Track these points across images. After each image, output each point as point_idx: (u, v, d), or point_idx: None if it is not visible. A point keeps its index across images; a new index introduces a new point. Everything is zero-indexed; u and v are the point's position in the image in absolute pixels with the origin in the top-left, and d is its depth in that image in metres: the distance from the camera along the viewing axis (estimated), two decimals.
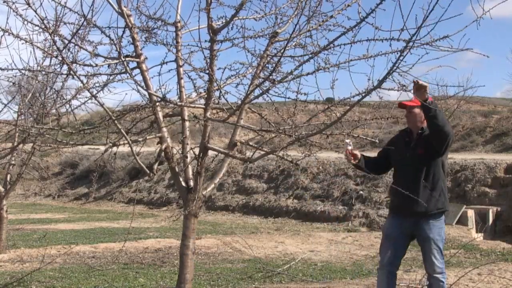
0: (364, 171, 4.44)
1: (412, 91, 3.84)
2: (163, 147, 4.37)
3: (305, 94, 3.79)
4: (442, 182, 4.13)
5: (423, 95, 3.83)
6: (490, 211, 10.37)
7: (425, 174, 4.09)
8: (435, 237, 4.06)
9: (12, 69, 4.34)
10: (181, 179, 4.42)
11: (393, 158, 4.34)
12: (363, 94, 3.31)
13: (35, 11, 3.79)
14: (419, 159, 4.11)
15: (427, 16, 3.00)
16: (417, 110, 4.20)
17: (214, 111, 4.34)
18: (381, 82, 3.32)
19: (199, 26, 4.12)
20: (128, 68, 4.09)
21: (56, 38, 3.97)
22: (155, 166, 4.54)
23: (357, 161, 4.28)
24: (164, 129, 4.40)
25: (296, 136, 3.70)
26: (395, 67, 3.20)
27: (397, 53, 3.21)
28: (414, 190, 4.07)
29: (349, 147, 4.21)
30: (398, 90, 3.96)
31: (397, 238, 4.19)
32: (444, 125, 3.95)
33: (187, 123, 4.43)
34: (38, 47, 4.20)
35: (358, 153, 4.29)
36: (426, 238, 4.08)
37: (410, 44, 3.15)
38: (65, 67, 4.57)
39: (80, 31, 4.28)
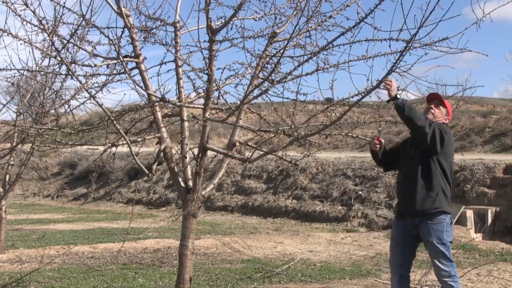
0: (376, 161, 4.39)
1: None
2: (162, 147, 4.36)
3: (304, 94, 3.79)
4: (441, 182, 4.01)
5: (392, 91, 3.77)
6: (489, 211, 10.37)
7: (421, 173, 4.01)
8: (435, 240, 3.96)
9: (11, 69, 4.33)
10: (180, 180, 4.41)
11: (399, 158, 4.28)
12: (363, 94, 3.31)
13: (33, 12, 3.79)
14: (417, 158, 4.05)
15: (427, 18, 3.01)
16: (443, 110, 4.16)
17: (213, 111, 4.34)
18: (380, 82, 3.33)
19: (198, 26, 4.12)
20: (127, 68, 4.08)
21: (55, 39, 3.97)
22: (154, 167, 4.53)
23: (378, 148, 4.25)
24: (163, 129, 4.40)
25: (295, 135, 3.70)
26: (394, 67, 3.21)
27: (396, 54, 3.23)
28: (412, 190, 4.03)
29: (378, 134, 4.28)
30: (397, 91, 3.97)
31: (403, 240, 4.14)
32: (416, 122, 3.83)
33: (186, 123, 4.43)
34: (37, 48, 4.18)
35: (383, 141, 4.27)
36: (427, 242, 4.01)
37: (410, 44, 3.15)
38: (64, 67, 4.57)
39: (79, 31, 4.27)
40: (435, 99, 4.21)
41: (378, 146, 4.24)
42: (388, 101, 3.84)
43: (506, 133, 16.51)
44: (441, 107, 4.17)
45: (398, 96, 3.80)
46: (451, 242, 4.06)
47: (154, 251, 8.34)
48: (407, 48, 3.15)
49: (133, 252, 8.14)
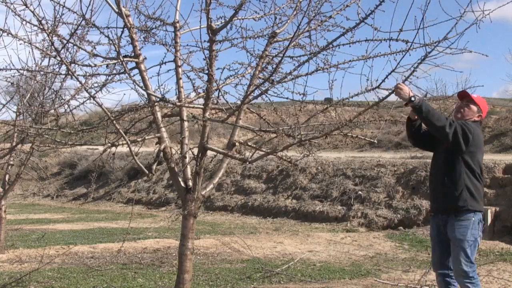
0: (408, 131, 4.29)
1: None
2: (162, 147, 4.36)
3: (304, 94, 3.79)
4: (466, 181, 3.94)
5: (404, 95, 3.75)
6: (489, 211, 10.36)
7: (445, 171, 4.00)
8: (458, 237, 3.91)
9: (11, 69, 4.33)
10: (180, 179, 4.41)
11: (433, 156, 4.27)
12: (378, 100, 3.34)
13: (33, 12, 3.79)
14: (441, 156, 4.06)
15: (424, 16, 3.02)
16: (473, 108, 4.15)
17: (213, 111, 4.34)
18: (393, 91, 3.37)
19: (199, 26, 4.12)
20: (126, 68, 4.08)
21: (55, 38, 3.97)
22: (154, 166, 4.53)
23: (416, 117, 4.14)
24: (163, 129, 4.40)
25: (298, 137, 3.70)
26: (397, 67, 3.23)
27: (396, 54, 3.24)
28: (436, 187, 4.07)
29: None
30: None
31: (436, 237, 4.14)
32: (435, 122, 3.81)
33: (186, 123, 4.43)
34: (36, 47, 4.18)
35: None
36: (450, 237, 3.98)
37: (411, 45, 3.17)
38: (63, 67, 4.56)
39: (78, 31, 4.27)
40: (465, 98, 4.21)
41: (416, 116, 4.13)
42: (405, 105, 3.81)
43: (506, 133, 16.51)
44: (471, 105, 4.16)
45: (413, 99, 3.76)
46: (477, 241, 3.96)
47: (154, 251, 8.33)
48: (408, 48, 3.16)
49: (132, 252, 8.14)
